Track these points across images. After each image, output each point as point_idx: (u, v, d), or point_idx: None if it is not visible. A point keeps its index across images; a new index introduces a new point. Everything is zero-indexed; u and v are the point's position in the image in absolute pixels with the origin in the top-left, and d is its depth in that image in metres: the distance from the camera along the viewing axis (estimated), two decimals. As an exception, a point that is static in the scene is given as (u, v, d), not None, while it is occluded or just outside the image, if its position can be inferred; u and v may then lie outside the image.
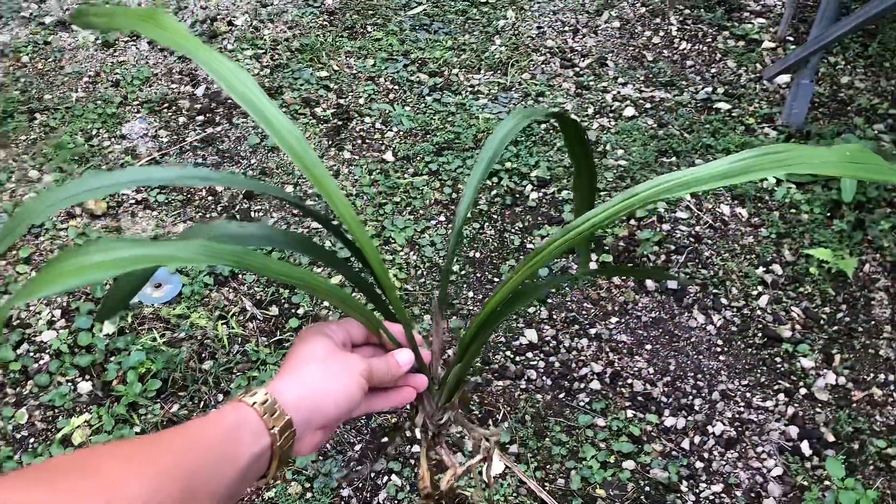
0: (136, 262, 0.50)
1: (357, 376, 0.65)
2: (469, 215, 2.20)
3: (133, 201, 2.21)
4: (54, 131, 2.43)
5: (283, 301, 1.98)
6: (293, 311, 1.95)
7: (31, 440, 1.71)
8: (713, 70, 2.70)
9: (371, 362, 0.68)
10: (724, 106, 2.54)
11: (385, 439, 1.71)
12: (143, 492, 0.48)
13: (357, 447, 1.70)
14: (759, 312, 1.96)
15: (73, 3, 2.99)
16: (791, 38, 2.79)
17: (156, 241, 0.54)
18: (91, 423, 1.72)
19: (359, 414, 0.71)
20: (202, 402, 1.76)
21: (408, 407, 0.77)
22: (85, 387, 1.78)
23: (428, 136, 2.44)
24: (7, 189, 2.23)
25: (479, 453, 0.82)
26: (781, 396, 1.80)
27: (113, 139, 2.41)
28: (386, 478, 1.66)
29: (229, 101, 2.56)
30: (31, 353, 1.84)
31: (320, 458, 1.67)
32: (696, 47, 2.80)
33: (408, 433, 1.73)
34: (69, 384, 1.79)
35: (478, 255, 2.11)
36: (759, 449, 1.71)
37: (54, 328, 1.89)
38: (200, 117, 2.50)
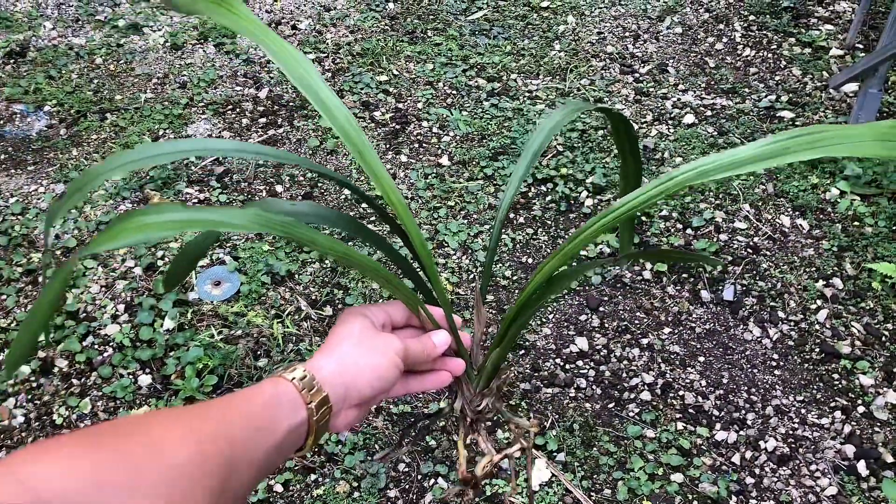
0: (191, 225, 0.53)
1: (392, 355, 0.66)
2: (522, 220, 2.20)
3: (195, 200, 2.28)
4: (124, 131, 2.51)
5: (337, 302, 2.01)
6: (346, 312, 1.98)
7: (94, 429, 1.77)
8: (777, 77, 2.65)
9: (407, 342, 0.69)
10: (787, 115, 2.49)
11: (432, 442, 1.73)
12: (187, 456, 0.49)
13: (403, 448, 1.72)
14: (817, 327, 1.92)
15: (146, 6, 3.09)
16: (860, 46, 2.72)
17: (211, 207, 0.57)
18: (150, 415, 1.78)
19: (395, 395, 0.72)
20: (256, 399, 1.80)
21: (447, 392, 0.78)
22: (145, 380, 1.84)
23: (484, 140, 2.46)
24: (78, 186, 2.32)
25: (515, 443, 0.83)
26: (838, 414, 1.76)
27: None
28: (433, 480, 1.67)
29: (291, 103, 2.62)
30: (96, 346, 1.91)
31: (368, 458, 1.70)
32: (761, 54, 2.75)
33: (445, 423, 1.74)
34: (130, 377, 1.85)
35: (530, 260, 2.11)
36: (813, 467, 1.68)
37: (118, 322, 1.96)
38: (263, 119, 2.56)
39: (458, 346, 0.76)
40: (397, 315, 0.73)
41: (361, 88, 2.66)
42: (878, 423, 1.74)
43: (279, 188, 2.32)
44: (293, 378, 0.61)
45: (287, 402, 0.59)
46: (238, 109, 2.60)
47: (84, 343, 1.92)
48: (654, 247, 2.11)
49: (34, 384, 1.84)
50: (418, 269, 0.78)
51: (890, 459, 1.67)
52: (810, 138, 0.57)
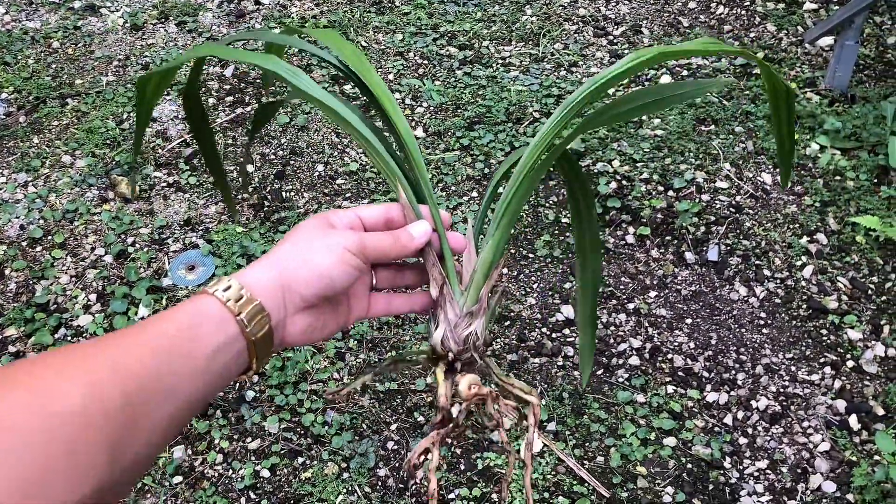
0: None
1: (340, 249, 0.57)
2: (501, 189, 2.16)
3: (165, 184, 2.21)
4: (86, 116, 2.43)
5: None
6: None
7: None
8: (752, 34, 2.62)
9: (365, 235, 0.59)
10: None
11: (420, 418, 1.69)
12: (76, 399, 0.42)
13: (393, 426, 1.68)
14: (803, 283, 1.90)
15: (101, -13, 2.99)
16: (834, -1, 2.69)
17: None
18: (129, 405, 1.72)
19: (376, 313, 0.64)
20: (237, 384, 1.76)
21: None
22: (122, 370, 1.79)
23: (459, 110, 2.40)
24: (41, 174, 2.24)
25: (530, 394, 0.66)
26: (828, 370, 1.74)
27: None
28: (423, 457, 1.64)
29: (257, 81, 2.54)
30: (69, 338, 1.85)
31: (356, 438, 1.66)
32: (734, 11, 2.71)
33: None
34: (106, 367, 1.79)
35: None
36: (805, 424, 1.67)
37: (90, 312, 1.90)
38: (230, 98, 2.49)
39: (443, 248, 0.64)
40: (372, 217, 0.62)
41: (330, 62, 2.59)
42: (868, 377, 1.73)
43: (250, 167, 2.25)
44: (215, 290, 0.53)
45: (210, 319, 0.51)
46: (203, 89, 2.53)
47: (56, 335, 1.85)
48: (644, 222, 2.07)
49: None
50: (403, 159, 0.67)
51: (881, 412, 1.66)
52: (664, 49, 0.62)
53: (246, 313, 0.52)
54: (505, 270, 1.98)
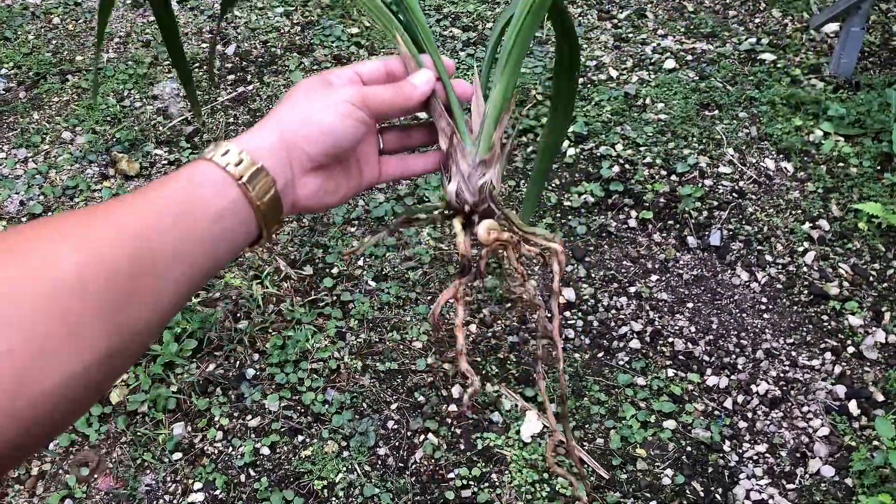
0: None
1: (343, 103, 0.54)
2: (505, 173, 2.15)
3: (166, 162, 2.20)
4: (86, 92, 2.42)
5: (317, 261, 1.96)
6: (327, 270, 1.93)
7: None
8: (757, 20, 2.60)
9: (366, 87, 0.56)
10: (768, 57, 2.44)
11: (420, 398, 1.69)
12: (80, 267, 0.41)
13: (393, 406, 1.68)
14: (805, 269, 1.90)
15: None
16: (840, -15, 2.67)
17: None
18: (128, 382, 1.72)
19: (390, 176, 0.61)
20: (237, 362, 1.75)
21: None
22: (122, 346, 1.78)
23: (461, 92, 2.39)
24: (41, 150, 2.23)
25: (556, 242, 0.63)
26: (828, 355, 1.75)
27: (145, 100, 2.39)
28: (422, 436, 1.64)
29: (259, 59, 2.53)
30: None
31: (357, 416, 1.66)
32: (740, -4, 2.70)
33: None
34: (106, 344, 1.79)
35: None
36: (805, 409, 1.67)
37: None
38: (231, 76, 2.47)
39: (449, 97, 0.61)
40: (372, 73, 0.59)
41: (332, 42, 2.58)
42: (868, 363, 1.73)
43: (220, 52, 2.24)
44: (212, 156, 0.50)
45: (209, 183, 0.49)
46: (205, 67, 2.51)
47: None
48: (647, 206, 2.07)
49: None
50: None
51: (881, 398, 1.67)
52: None
53: (247, 177, 0.50)
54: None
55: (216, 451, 1.63)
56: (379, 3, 0.60)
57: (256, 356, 1.77)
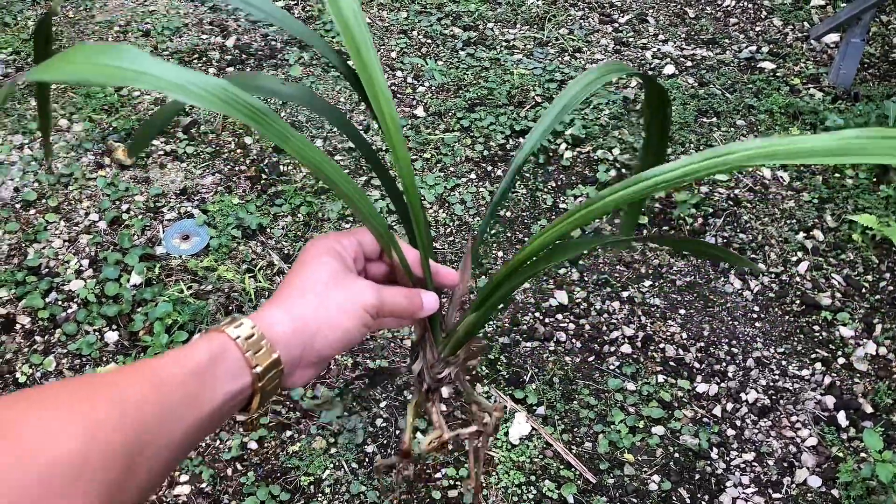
0: (141, 79, 0.45)
1: (360, 312, 0.57)
2: (500, 173, 2.15)
3: (162, 153, 2.20)
4: (84, 80, 2.40)
5: (310, 256, 1.95)
6: (320, 266, 1.93)
7: (59, 388, 1.71)
8: (758, 28, 2.61)
9: (384, 295, 0.59)
10: (768, 65, 2.45)
11: (409, 396, 1.69)
12: (80, 449, 0.40)
13: (382, 404, 1.68)
14: (798, 279, 1.90)
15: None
16: (841, -4, 2.68)
17: (184, 68, 0.48)
18: (118, 372, 1.71)
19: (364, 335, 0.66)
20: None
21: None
22: (112, 336, 1.78)
23: (461, 91, 2.39)
24: (38, 137, 2.22)
25: (475, 424, 0.74)
26: (818, 365, 1.75)
27: (142, 89, 2.38)
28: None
29: (259, 52, 2.52)
30: (60, 302, 1.84)
31: (345, 413, 1.66)
32: (741, 4, 2.70)
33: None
34: (96, 333, 1.79)
35: (509, 214, 2.07)
36: (794, 418, 1.67)
37: (82, 277, 1.88)
38: (231, 69, 2.47)
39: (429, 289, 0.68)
40: (370, 244, 0.63)
41: (333, 37, 2.57)
42: (858, 374, 1.73)
43: (248, 139, 2.24)
44: (238, 337, 0.51)
45: (226, 367, 0.50)
46: (205, 59, 2.51)
47: (47, 299, 1.84)
48: (665, 232, 2.06)
49: (-5, 342, 1.77)
50: (400, 194, 0.67)
51: (870, 410, 1.67)
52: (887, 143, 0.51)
53: (263, 367, 0.51)
54: (500, 254, 1.97)
55: (203, 444, 1.62)
56: (383, 222, 0.61)
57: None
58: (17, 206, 2.04)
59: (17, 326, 1.80)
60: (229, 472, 1.58)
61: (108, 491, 0.41)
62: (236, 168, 2.16)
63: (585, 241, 0.66)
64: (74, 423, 0.41)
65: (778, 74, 2.41)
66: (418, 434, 0.72)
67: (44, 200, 2.06)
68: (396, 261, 0.63)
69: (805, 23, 2.60)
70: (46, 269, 1.91)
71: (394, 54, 2.51)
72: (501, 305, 1.83)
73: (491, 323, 1.82)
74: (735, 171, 2.12)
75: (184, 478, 1.57)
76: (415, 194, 0.64)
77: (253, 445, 1.62)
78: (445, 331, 0.69)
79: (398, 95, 2.39)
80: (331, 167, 0.55)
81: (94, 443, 0.41)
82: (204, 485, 1.56)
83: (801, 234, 1.99)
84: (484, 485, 1.56)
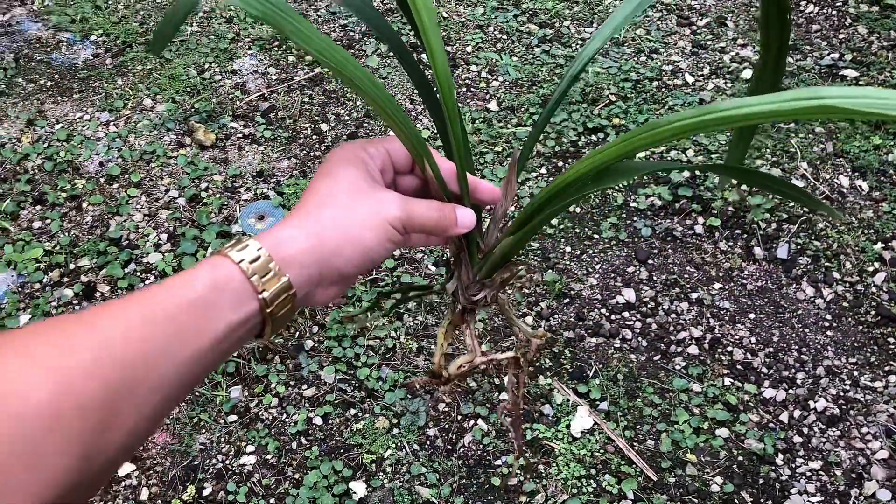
0: None
1: (385, 226, 0.51)
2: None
3: (241, 135, 2.25)
4: (169, 63, 2.49)
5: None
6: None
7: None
8: (841, 35, 2.55)
9: (413, 208, 0.53)
10: (850, 73, 2.39)
11: (473, 384, 1.70)
12: (51, 399, 0.37)
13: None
14: (873, 290, 1.86)
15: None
16: (931, 6, 2.60)
17: None
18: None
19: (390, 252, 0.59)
20: (297, 332, 1.79)
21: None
22: (187, 308, 1.83)
23: (534, 87, 2.39)
24: (123, 115, 2.30)
25: (514, 351, 0.70)
26: (892, 378, 1.70)
27: (224, 73, 2.45)
28: (472, 421, 1.65)
29: (338, 42, 2.57)
30: (138, 273, 1.91)
31: (409, 395, 1.68)
32: (825, 11, 2.65)
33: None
34: (172, 305, 1.84)
35: (577, 209, 2.07)
36: (864, 430, 1.63)
37: (160, 251, 1.95)
38: (309, 57, 2.52)
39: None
40: (400, 155, 0.56)
41: (410, 30, 2.60)
42: (934, 390, 1.68)
43: (324, 126, 2.28)
44: (241, 261, 0.46)
45: (228, 295, 0.45)
46: (284, 46, 2.56)
47: (126, 270, 1.91)
48: (714, 213, 2.04)
49: (77, 308, 1.84)
50: (436, 92, 0.58)
51: (945, 426, 1.62)
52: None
53: (271, 292, 0.46)
54: (568, 249, 1.97)
55: (270, 417, 1.66)
56: (414, 130, 0.55)
57: (316, 328, 1.80)
58: (102, 179, 2.12)
59: (98, 294, 1.87)
60: (294, 445, 1.62)
61: (85, 441, 0.38)
62: (311, 153, 2.21)
63: (646, 164, 0.57)
64: (46, 372, 0.37)
65: (860, 83, 2.36)
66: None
67: (126, 175, 2.13)
68: (430, 174, 0.56)
69: (892, 31, 2.54)
70: (127, 241, 1.98)
71: (469, 49, 2.53)
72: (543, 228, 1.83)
73: (556, 317, 1.82)
74: (810, 176, 2.08)
75: (250, 448, 1.61)
76: (451, 97, 0.55)
77: (318, 421, 1.65)
78: (484, 252, 0.63)
79: (472, 89, 2.40)
80: (356, 70, 0.49)
81: (66, 393, 0.37)
82: (269, 456, 1.60)
83: (879, 245, 1.94)
84: (538, 462, 1.57)
